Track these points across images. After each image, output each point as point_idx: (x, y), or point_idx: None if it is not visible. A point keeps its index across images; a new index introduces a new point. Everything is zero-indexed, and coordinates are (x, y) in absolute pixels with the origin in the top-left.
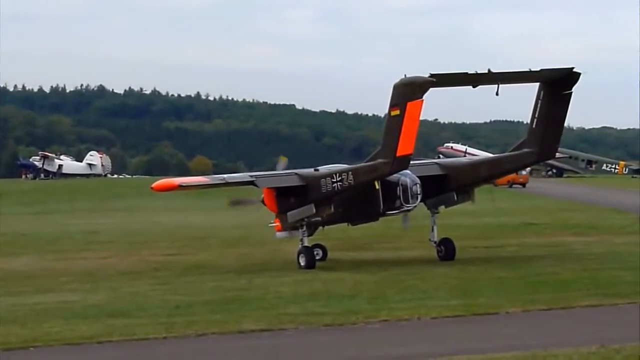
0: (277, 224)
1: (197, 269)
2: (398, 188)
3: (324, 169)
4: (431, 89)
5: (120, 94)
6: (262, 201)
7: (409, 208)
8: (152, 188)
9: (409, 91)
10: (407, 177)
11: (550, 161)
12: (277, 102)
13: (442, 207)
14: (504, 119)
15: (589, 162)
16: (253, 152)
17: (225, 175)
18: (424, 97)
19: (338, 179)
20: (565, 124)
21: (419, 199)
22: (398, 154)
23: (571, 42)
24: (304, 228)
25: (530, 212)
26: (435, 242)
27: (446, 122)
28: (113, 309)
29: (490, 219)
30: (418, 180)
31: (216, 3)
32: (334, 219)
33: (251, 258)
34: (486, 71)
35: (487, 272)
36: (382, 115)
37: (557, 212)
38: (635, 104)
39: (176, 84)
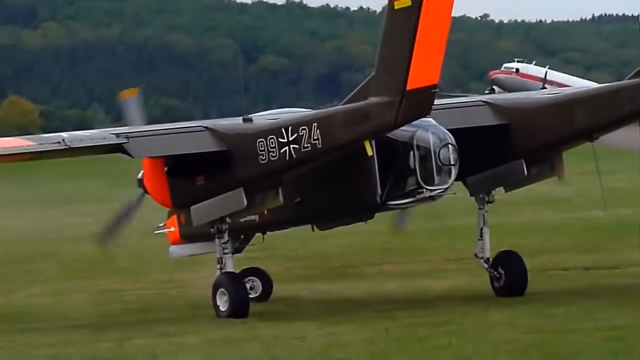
0: (172, 229)
1: (16, 321)
2: (412, 154)
3: (262, 117)
4: None
5: None
6: (142, 186)
7: (433, 193)
8: None
9: None
10: (430, 132)
11: None
12: None
13: (501, 189)
14: (617, 14)
15: None
16: (123, 85)
17: (65, 135)
18: None
19: (292, 139)
20: None
21: (452, 175)
22: (410, 86)
23: None
24: (225, 237)
25: None
26: (487, 261)
27: (506, 20)
28: None
29: (595, 213)
30: (451, 139)
31: None
32: (286, 217)
33: (120, 298)
34: None
35: (590, 319)
36: (378, 10)
37: None
38: None
39: None
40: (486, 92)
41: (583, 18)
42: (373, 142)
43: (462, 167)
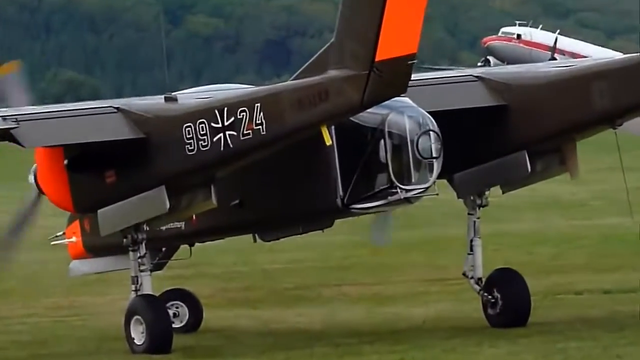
0: (73, 239)
1: None
2: (382, 144)
3: (191, 96)
4: None
5: None
6: (37, 185)
7: (410, 194)
8: None
9: None
10: (406, 115)
11: None
12: None
13: (497, 189)
14: None
15: None
16: (11, 56)
17: None
18: None
19: (228, 124)
20: None
21: (435, 171)
22: (381, 57)
23: None
24: (142, 250)
25: None
26: (478, 281)
27: None
28: None
29: (617, 220)
30: (433, 124)
31: None
32: (221, 225)
33: (6, 328)
34: None
35: (609, 356)
36: None
37: None
38: None
39: None
40: (479, 64)
41: None
42: (333, 128)
43: (447, 161)
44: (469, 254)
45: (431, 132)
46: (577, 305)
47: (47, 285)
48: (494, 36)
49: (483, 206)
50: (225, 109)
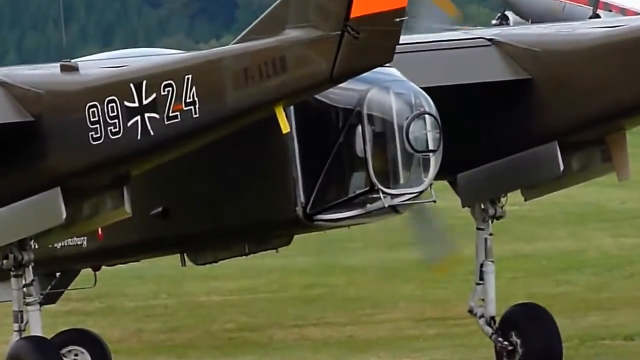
0: None
1: None
2: (359, 131)
3: (96, 64)
4: None
5: None
6: None
7: (397, 201)
8: None
9: None
10: (392, 92)
11: None
12: None
13: (517, 194)
14: None
15: None
16: None
17: None
18: None
19: (148, 103)
20: None
21: (431, 170)
22: (358, 12)
23: None
24: (29, 275)
25: None
26: (490, 321)
27: None
28: None
29: None
30: (429, 105)
31: None
32: (136, 241)
33: None
34: None
35: None
36: None
37: None
38: None
39: None
40: (494, 22)
41: None
42: (292, 109)
43: (447, 155)
44: (477, 283)
45: (427, 116)
46: (626, 355)
47: None
48: None
49: (497, 218)
50: (144, 82)
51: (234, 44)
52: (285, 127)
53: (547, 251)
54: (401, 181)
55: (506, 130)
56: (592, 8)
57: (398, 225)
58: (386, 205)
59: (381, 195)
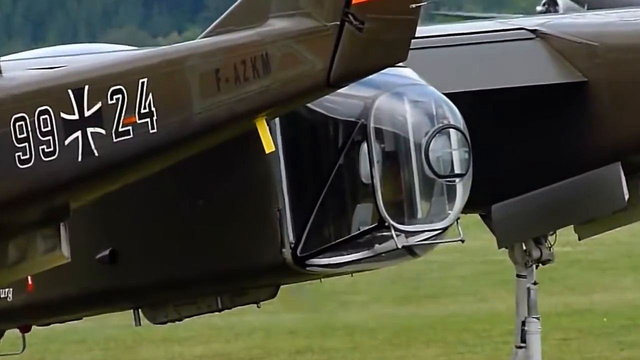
0: None
1: None
2: (365, 150)
3: (27, 65)
4: None
5: None
6: None
7: (414, 242)
8: None
9: None
10: (407, 99)
11: None
12: None
13: (569, 231)
14: None
15: None
16: None
17: None
18: None
19: (91, 115)
20: None
21: (458, 200)
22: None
23: None
24: None
25: None
26: None
27: None
28: None
29: None
30: (455, 116)
31: None
32: (76, 294)
33: None
34: None
35: None
36: None
37: None
38: None
39: None
40: (539, 8)
41: None
42: (277, 122)
43: (479, 181)
44: (518, 346)
45: (452, 130)
46: None
47: None
48: None
49: (544, 262)
50: (86, 88)
51: (202, 38)
52: (268, 146)
53: (608, 305)
54: (419, 215)
55: (554, 148)
56: None
57: (414, 272)
58: (399, 246)
59: (393, 233)
